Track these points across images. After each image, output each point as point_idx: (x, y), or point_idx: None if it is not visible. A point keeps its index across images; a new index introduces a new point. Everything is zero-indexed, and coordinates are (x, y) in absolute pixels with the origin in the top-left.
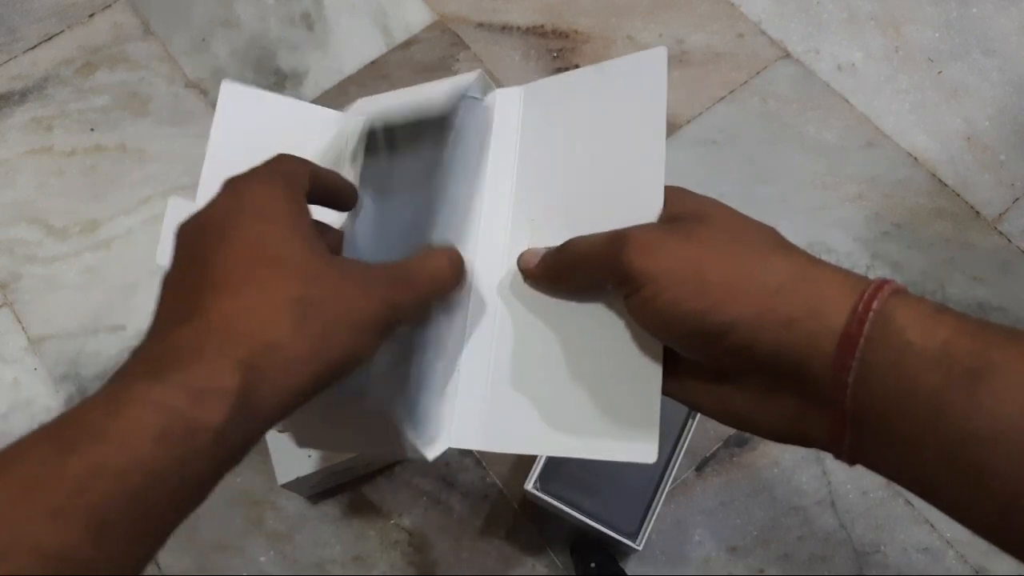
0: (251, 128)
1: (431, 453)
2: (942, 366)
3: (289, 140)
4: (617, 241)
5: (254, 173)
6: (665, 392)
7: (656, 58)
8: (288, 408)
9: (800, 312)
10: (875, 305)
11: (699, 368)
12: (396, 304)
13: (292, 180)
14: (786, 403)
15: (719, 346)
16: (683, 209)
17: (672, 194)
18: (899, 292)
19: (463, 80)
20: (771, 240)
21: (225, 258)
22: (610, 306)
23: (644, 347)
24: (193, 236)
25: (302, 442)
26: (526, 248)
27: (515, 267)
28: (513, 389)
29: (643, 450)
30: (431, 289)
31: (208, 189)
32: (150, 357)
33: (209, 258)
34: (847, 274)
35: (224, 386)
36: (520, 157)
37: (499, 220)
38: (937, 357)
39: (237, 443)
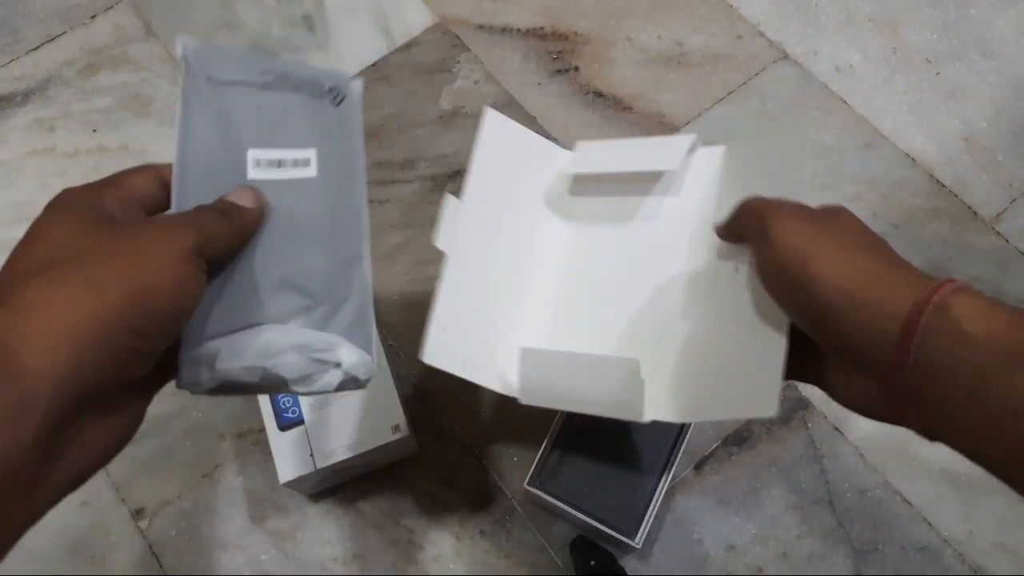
0: (504, 153)
1: None
2: (986, 350)
3: (530, 167)
4: (765, 206)
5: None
6: (808, 381)
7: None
8: (77, 349)
9: (871, 299)
10: (935, 299)
11: (809, 354)
12: (202, 227)
13: (81, 204)
14: (872, 386)
15: (806, 313)
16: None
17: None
18: (962, 289)
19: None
20: (875, 245)
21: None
22: (751, 302)
23: (773, 324)
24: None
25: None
26: (704, 261)
27: (691, 274)
28: (693, 363)
29: (765, 406)
30: (243, 215)
31: (473, 196)
32: None
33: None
34: (922, 275)
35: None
36: (718, 198)
37: (683, 240)
38: (983, 343)
39: (18, 394)
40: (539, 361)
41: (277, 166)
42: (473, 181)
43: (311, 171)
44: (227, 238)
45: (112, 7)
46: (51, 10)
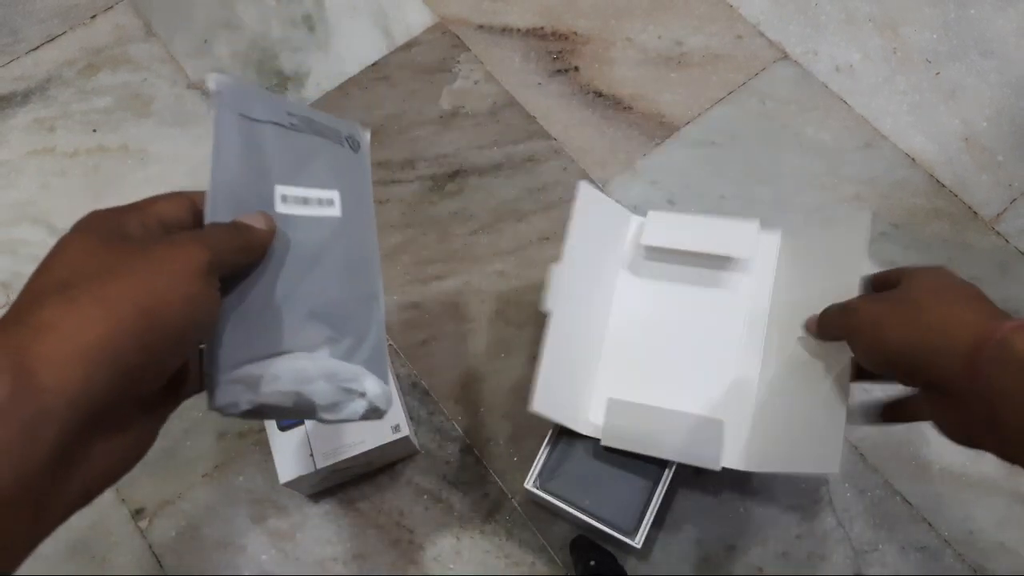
0: (592, 220)
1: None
2: None
3: (612, 233)
4: (845, 312)
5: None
6: (918, 418)
7: (861, 220)
8: (90, 366)
9: (939, 345)
10: (997, 335)
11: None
12: (214, 246)
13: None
14: (952, 413)
15: (896, 367)
16: (898, 279)
17: (897, 272)
18: (1021, 327)
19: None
20: (952, 296)
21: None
22: (820, 366)
23: (835, 390)
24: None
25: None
26: (769, 330)
27: (758, 339)
28: (763, 425)
29: (828, 462)
30: (253, 233)
31: (569, 261)
32: None
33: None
34: (983, 315)
35: None
36: (775, 281)
37: (760, 315)
38: None
39: (34, 411)
40: (624, 411)
41: (303, 203)
42: (569, 247)
43: (335, 211)
44: (238, 252)
45: (112, 7)
46: (51, 10)
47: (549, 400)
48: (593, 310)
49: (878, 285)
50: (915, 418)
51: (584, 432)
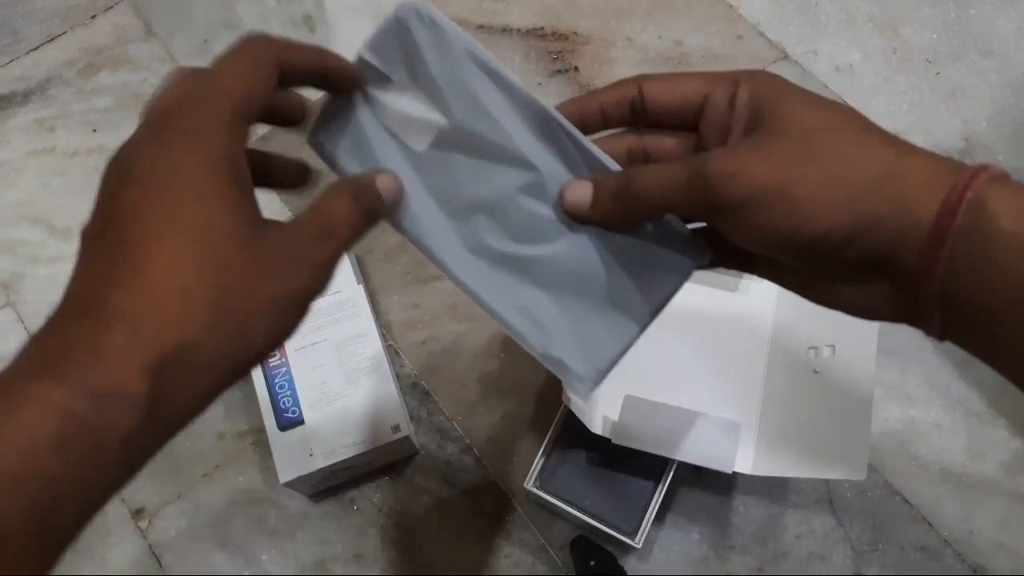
0: None
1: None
2: None
3: None
4: (698, 178)
5: (191, 103)
6: (782, 285)
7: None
8: (202, 408)
9: (887, 211)
10: (968, 195)
11: (804, 268)
12: (323, 265)
13: (234, 112)
14: (883, 289)
15: (814, 254)
16: (762, 113)
17: (759, 84)
18: (997, 178)
19: None
20: (856, 134)
21: (134, 229)
22: (841, 370)
23: (859, 395)
24: (114, 185)
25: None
26: (787, 331)
27: (776, 342)
28: (771, 428)
29: (854, 469)
30: (351, 235)
31: None
32: (47, 351)
33: (122, 220)
34: (941, 164)
35: (131, 391)
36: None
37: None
38: None
39: (145, 448)
40: (640, 409)
41: None
42: None
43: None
44: (357, 234)
45: (112, 7)
46: (51, 10)
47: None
48: None
49: (690, 103)
50: (781, 282)
51: (596, 431)
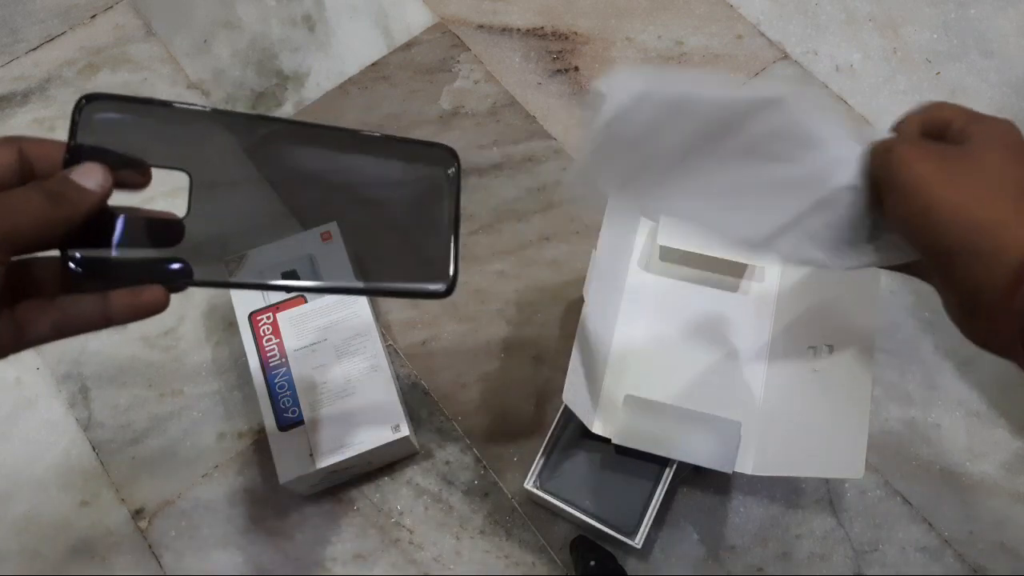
0: (619, 219)
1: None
2: None
3: (628, 233)
4: (889, 155)
5: None
6: (900, 269)
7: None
8: None
9: (989, 248)
10: None
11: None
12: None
13: None
14: (982, 322)
15: (926, 249)
16: (957, 127)
17: (990, 128)
18: None
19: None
20: (1003, 167)
21: None
22: (839, 370)
23: (857, 390)
24: None
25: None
26: (786, 330)
27: (775, 340)
28: (770, 428)
29: (852, 468)
30: (72, 200)
31: (599, 257)
32: None
33: None
34: None
35: None
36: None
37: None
38: None
39: None
40: (641, 408)
41: None
42: (604, 240)
43: None
44: (53, 225)
45: (112, 7)
46: (51, 10)
47: (574, 393)
48: (609, 307)
49: (931, 126)
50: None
51: (596, 431)
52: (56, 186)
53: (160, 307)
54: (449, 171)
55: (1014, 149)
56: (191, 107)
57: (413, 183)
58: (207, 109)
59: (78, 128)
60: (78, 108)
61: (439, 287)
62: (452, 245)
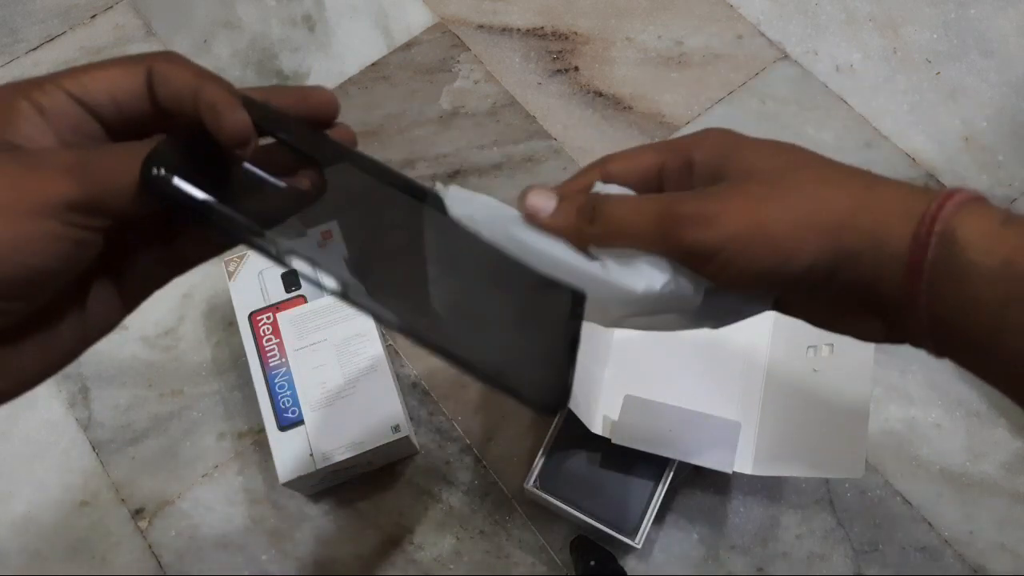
0: None
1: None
2: (1002, 284)
3: None
4: (671, 220)
5: None
6: (788, 313)
7: None
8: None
9: (864, 244)
10: (936, 227)
11: (799, 300)
12: (94, 176)
13: None
14: (876, 321)
15: (799, 288)
16: (723, 169)
17: (712, 144)
18: (965, 204)
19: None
20: (821, 171)
21: None
22: (838, 370)
23: (856, 389)
24: None
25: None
26: (785, 331)
27: (774, 340)
28: (770, 428)
29: (852, 467)
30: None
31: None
32: None
33: None
34: (909, 193)
35: None
36: None
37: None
38: (997, 275)
39: None
40: (640, 409)
41: None
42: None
43: None
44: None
45: (112, 7)
46: (51, 10)
47: (574, 393)
48: None
49: (648, 176)
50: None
51: (596, 431)
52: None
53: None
54: (575, 309)
55: (773, 145)
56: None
57: (538, 304)
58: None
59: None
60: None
61: (549, 402)
62: (569, 370)
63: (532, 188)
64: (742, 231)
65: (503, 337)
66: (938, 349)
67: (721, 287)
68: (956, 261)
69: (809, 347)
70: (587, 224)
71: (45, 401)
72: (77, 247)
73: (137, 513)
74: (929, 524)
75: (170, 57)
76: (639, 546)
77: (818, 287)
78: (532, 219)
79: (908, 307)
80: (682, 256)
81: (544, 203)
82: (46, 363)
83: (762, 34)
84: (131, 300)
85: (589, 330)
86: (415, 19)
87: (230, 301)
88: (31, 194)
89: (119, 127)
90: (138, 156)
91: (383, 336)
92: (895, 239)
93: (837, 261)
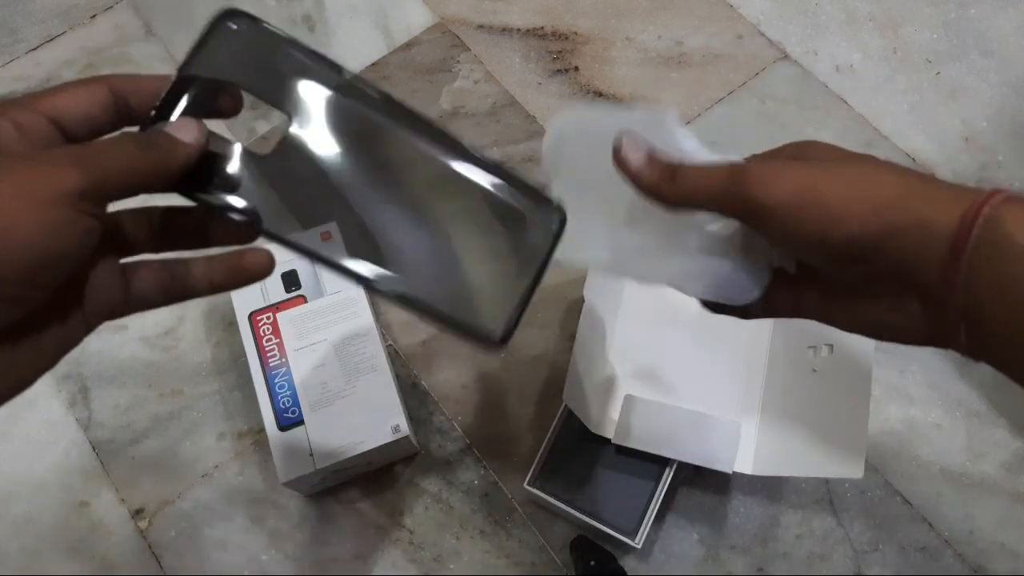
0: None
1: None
2: None
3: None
4: (737, 176)
5: None
6: (805, 315)
7: None
8: None
9: (910, 222)
10: (985, 211)
11: (835, 288)
12: (95, 165)
13: None
14: (914, 307)
15: (844, 258)
16: (802, 149)
17: (797, 144)
18: (1012, 199)
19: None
20: (880, 163)
21: None
22: (838, 369)
23: (856, 390)
24: None
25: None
26: (783, 332)
27: (772, 341)
28: (770, 428)
29: (852, 468)
30: (168, 150)
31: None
32: None
33: None
34: (960, 187)
35: None
36: None
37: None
38: None
39: None
40: (641, 409)
41: None
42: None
43: None
44: (144, 174)
45: (112, 7)
46: (51, 10)
47: (574, 393)
48: (609, 307)
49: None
50: (811, 315)
51: (596, 431)
52: (150, 138)
53: (264, 272)
54: (552, 227)
55: (842, 149)
56: (331, 63)
57: (510, 223)
58: (348, 74)
59: (206, 43)
60: (217, 22)
61: (493, 330)
62: (522, 300)
63: (628, 134)
64: (798, 193)
65: (459, 273)
66: (969, 342)
67: (775, 245)
68: (1000, 242)
69: (809, 347)
70: (667, 182)
71: (45, 401)
72: (87, 233)
73: (137, 513)
74: (929, 524)
75: (123, 75)
76: (639, 546)
77: (862, 260)
78: (621, 163)
79: (945, 286)
80: (744, 212)
81: (634, 154)
82: (41, 362)
83: (762, 34)
84: (123, 302)
85: (589, 330)
86: (415, 19)
87: (230, 301)
88: (48, 185)
89: (83, 139)
90: (124, 145)
91: (383, 336)
92: (943, 222)
93: (883, 236)
